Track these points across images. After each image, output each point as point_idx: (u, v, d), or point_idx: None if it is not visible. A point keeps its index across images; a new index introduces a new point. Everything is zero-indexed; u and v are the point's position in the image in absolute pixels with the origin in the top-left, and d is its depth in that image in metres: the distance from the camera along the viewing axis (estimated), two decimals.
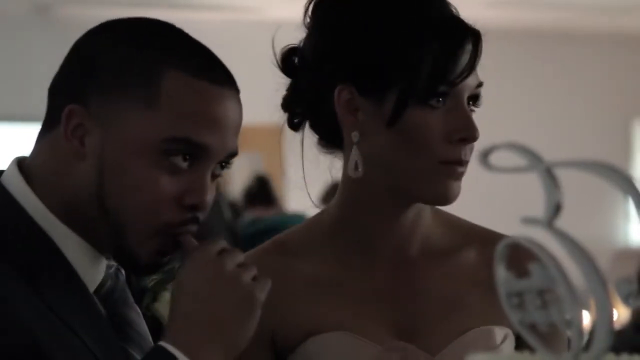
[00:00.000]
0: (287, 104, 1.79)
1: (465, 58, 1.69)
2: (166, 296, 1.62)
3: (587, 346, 1.14)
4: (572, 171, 1.16)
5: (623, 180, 1.11)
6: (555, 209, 1.16)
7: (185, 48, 1.54)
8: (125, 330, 1.57)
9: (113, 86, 1.50)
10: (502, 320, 1.70)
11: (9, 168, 1.57)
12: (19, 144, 9.62)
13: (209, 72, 1.52)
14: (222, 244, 1.51)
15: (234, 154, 1.55)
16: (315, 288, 1.76)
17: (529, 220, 1.17)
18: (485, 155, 1.19)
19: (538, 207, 1.16)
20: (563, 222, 1.15)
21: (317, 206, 1.88)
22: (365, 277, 1.77)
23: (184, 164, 1.50)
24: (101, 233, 1.53)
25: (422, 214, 1.79)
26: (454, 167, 1.71)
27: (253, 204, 8.18)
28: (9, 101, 9.92)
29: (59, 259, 1.52)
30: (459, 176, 1.72)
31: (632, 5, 10.42)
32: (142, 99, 1.49)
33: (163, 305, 1.62)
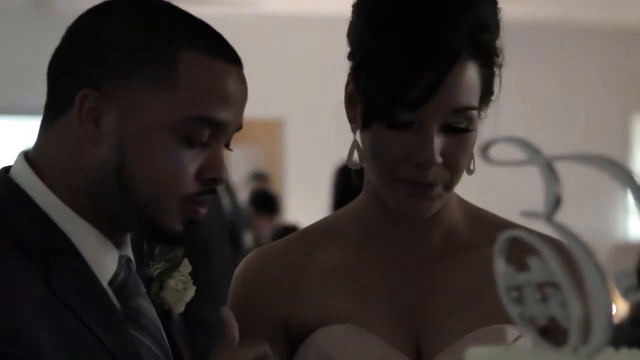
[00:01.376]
0: None
1: (429, 82, 1.62)
2: (171, 284, 1.65)
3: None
4: (572, 165, 1.16)
5: (622, 174, 1.11)
6: (555, 202, 1.16)
7: (196, 28, 1.54)
8: (138, 319, 1.57)
9: (128, 68, 1.50)
10: None
11: (17, 162, 1.56)
12: (16, 138, 9.62)
13: (221, 51, 1.54)
14: (255, 352, 1.54)
15: (241, 127, 1.58)
16: (332, 280, 1.77)
17: (528, 214, 1.17)
18: (485, 149, 1.19)
19: (538, 201, 1.17)
20: (562, 215, 1.15)
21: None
22: (381, 270, 1.77)
23: (203, 141, 1.52)
24: (122, 213, 1.53)
25: (445, 208, 1.76)
26: (414, 186, 1.68)
27: (257, 214, 8.23)
28: (9, 94, 9.92)
29: (72, 253, 1.51)
30: (421, 195, 1.68)
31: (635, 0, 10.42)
32: (160, 80, 1.50)
33: (169, 293, 1.64)
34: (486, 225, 1.78)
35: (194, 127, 1.51)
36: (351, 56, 1.72)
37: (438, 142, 1.65)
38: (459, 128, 1.67)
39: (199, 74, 1.51)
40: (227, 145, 1.57)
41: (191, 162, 1.51)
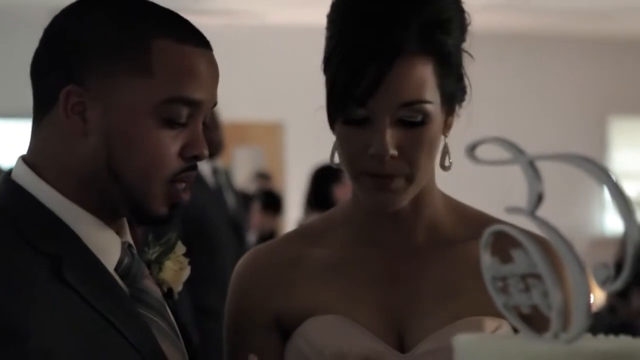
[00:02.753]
0: None
1: (372, 76, 1.61)
2: (169, 265, 1.66)
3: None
4: (553, 164, 1.16)
5: (600, 172, 1.11)
6: (537, 199, 1.16)
7: (166, 18, 1.54)
8: (145, 299, 1.57)
9: (106, 61, 1.49)
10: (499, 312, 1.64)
11: (16, 164, 1.56)
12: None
13: (191, 36, 1.54)
14: None
15: (215, 104, 1.59)
16: (321, 274, 1.76)
17: (512, 210, 1.17)
18: (472, 149, 1.19)
19: (521, 197, 1.16)
20: (544, 211, 1.15)
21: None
22: (368, 265, 1.76)
23: (182, 120, 1.52)
24: (115, 200, 1.53)
25: (428, 204, 1.75)
26: (375, 179, 1.66)
27: (262, 212, 8.25)
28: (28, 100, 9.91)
29: (79, 244, 1.51)
30: (385, 187, 1.67)
31: (608, 11, 10.43)
32: (135, 68, 1.49)
33: (168, 274, 1.65)
34: (470, 220, 1.76)
35: (172, 109, 1.51)
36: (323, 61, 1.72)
37: (392, 135, 1.64)
38: (412, 122, 1.65)
39: (172, 59, 1.51)
40: (203, 124, 1.57)
41: (173, 142, 1.51)
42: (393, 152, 1.64)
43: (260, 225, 7.91)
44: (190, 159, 1.53)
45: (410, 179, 1.68)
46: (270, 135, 10.82)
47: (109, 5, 1.54)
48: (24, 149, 1.58)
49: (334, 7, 1.71)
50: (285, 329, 1.74)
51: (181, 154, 1.53)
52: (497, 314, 1.64)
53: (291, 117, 10.63)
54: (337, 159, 1.73)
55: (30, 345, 1.39)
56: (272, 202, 8.49)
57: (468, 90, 1.73)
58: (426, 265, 1.75)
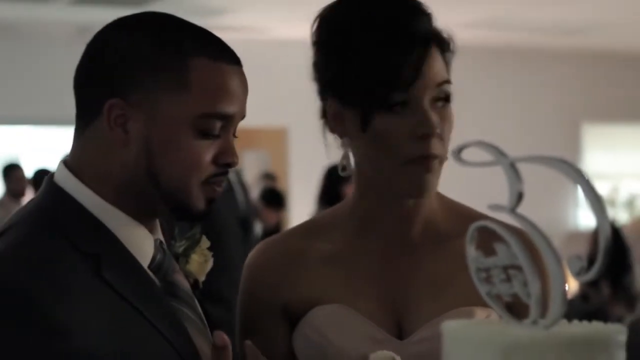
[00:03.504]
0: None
1: (411, 65, 1.64)
2: (195, 258, 1.65)
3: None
4: (532, 165, 1.15)
5: (574, 173, 1.11)
6: (518, 197, 1.15)
7: (201, 37, 1.53)
8: (176, 292, 1.57)
9: (147, 77, 1.49)
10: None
11: (58, 168, 1.53)
12: (64, 143, 9.62)
13: (224, 54, 1.53)
14: None
15: (244, 116, 1.59)
16: (326, 267, 1.75)
17: (495, 207, 1.17)
18: (458, 152, 1.19)
19: (503, 196, 1.16)
20: (524, 208, 1.15)
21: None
22: (369, 257, 1.75)
23: (215, 133, 1.52)
24: (154, 202, 1.52)
25: (425, 201, 1.74)
26: (422, 161, 1.66)
27: (267, 207, 8.25)
28: (56, 108, 9.93)
29: (117, 244, 1.50)
30: (429, 169, 1.66)
31: (580, 28, 10.44)
32: (174, 84, 1.49)
33: (194, 266, 1.65)
34: (462, 217, 1.75)
35: (207, 122, 1.50)
36: (325, 74, 1.72)
37: (435, 115, 1.66)
38: (443, 100, 1.67)
39: (207, 76, 1.50)
40: (233, 134, 1.57)
41: (207, 151, 1.51)
42: (439, 129, 1.65)
43: (265, 219, 7.91)
44: (222, 166, 1.53)
45: (441, 160, 1.68)
46: (275, 140, 10.82)
47: (149, 25, 1.53)
48: (61, 153, 1.57)
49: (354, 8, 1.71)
50: (292, 317, 1.74)
51: (214, 161, 1.52)
52: (486, 304, 1.64)
53: (295, 123, 10.63)
54: (347, 168, 1.72)
55: (73, 344, 1.37)
56: (275, 198, 8.48)
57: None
58: (422, 259, 1.74)
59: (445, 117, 1.67)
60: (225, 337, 1.47)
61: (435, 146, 1.65)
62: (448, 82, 1.68)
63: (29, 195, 7.89)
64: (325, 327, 1.70)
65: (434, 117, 1.65)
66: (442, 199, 1.79)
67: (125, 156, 1.50)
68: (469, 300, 1.67)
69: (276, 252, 1.78)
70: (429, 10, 1.71)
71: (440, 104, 1.67)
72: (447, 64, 1.70)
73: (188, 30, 1.53)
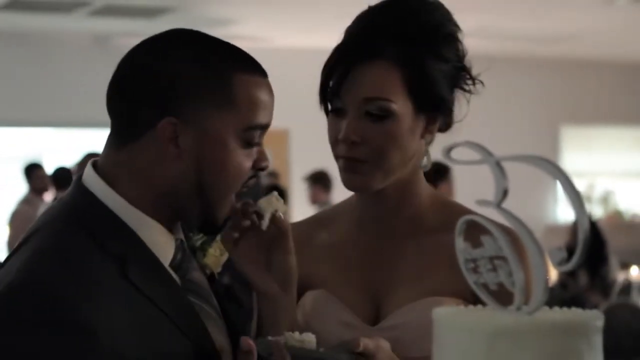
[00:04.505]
0: None
1: (341, 75, 1.65)
2: (211, 251, 1.64)
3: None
4: (516, 164, 1.15)
5: (554, 170, 1.11)
6: (503, 193, 1.15)
7: (236, 53, 1.53)
8: (195, 289, 1.55)
9: (196, 96, 1.47)
10: (461, 293, 1.63)
11: (87, 172, 1.51)
12: (91, 145, 9.63)
13: (257, 68, 1.53)
14: None
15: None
16: (322, 256, 1.77)
17: (482, 203, 1.17)
18: (448, 151, 1.19)
19: (490, 192, 1.16)
20: (508, 203, 1.15)
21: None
22: (358, 249, 1.76)
23: (257, 142, 1.53)
24: (191, 212, 1.51)
25: (412, 199, 1.74)
26: (345, 161, 1.68)
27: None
28: (73, 112, 9.94)
29: (142, 246, 1.48)
30: (348, 169, 1.68)
31: (561, 37, 10.45)
32: (221, 101, 1.48)
33: (210, 259, 1.64)
34: (452, 215, 1.73)
35: (251, 134, 1.51)
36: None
37: (359, 125, 1.65)
38: (376, 115, 1.65)
39: (248, 90, 1.50)
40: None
41: (248, 160, 1.52)
42: (355, 138, 1.66)
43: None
44: (257, 171, 1.54)
45: (377, 166, 1.67)
46: (277, 140, 10.81)
47: (189, 44, 1.51)
48: (79, 153, 1.54)
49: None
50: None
51: (252, 167, 1.53)
52: (456, 295, 1.65)
53: (295, 125, 10.63)
54: (426, 162, 1.74)
55: (101, 344, 1.34)
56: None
57: (453, 108, 1.73)
58: (404, 252, 1.74)
59: (380, 131, 1.65)
60: (251, 341, 1.46)
61: (357, 151, 1.66)
62: (381, 99, 1.65)
63: (50, 192, 7.89)
64: (308, 311, 1.71)
65: (358, 128, 1.65)
66: (437, 197, 1.79)
67: (174, 169, 1.48)
68: (443, 290, 1.67)
69: None
70: (414, 24, 1.67)
71: (373, 117, 1.65)
72: (410, 81, 1.66)
73: (225, 47, 1.52)
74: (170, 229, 1.53)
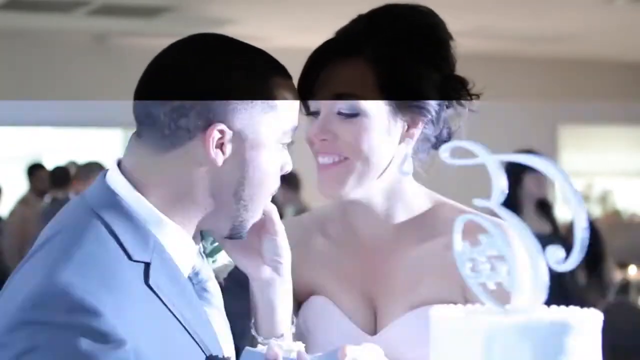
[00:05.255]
0: None
1: (314, 71, 1.66)
2: (219, 259, 1.63)
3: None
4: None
5: (553, 169, 1.11)
6: (501, 193, 1.15)
7: (269, 58, 1.54)
8: (209, 298, 1.55)
9: (243, 101, 1.47)
10: (455, 300, 1.57)
11: (112, 172, 1.49)
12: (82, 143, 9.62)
13: (286, 71, 1.55)
14: None
15: None
16: (319, 262, 1.76)
17: (481, 202, 1.17)
18: (447, 151, 1.19)
19: (488, 191, 1.16)
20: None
21: None
22: (354, 256, 1.75)
23: (289, 143, 1.54)
24: (226, 220, 1.50)
25: (400, 207, 1.72)
26: (318, 160, 1.67)
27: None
28: (73, 111, 9.93)
29: (163, 253, 1.45)
30: (324, 169, 1.67)
31: (559, 37, 10.44)
32: (266, 105, 1.48)
33: (220, 266, 1.63)
34: (446, 218, 1.72)
35: (288, 136, 1.52)
36: None
37: (329, 122, 1.65)
38: (347, 114, 1.64)
39: (284, 93, 1.51)
40: None
41: (280, 162, 1.53)
42: (322, 136, 1.65)
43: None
44: (280, 175, 1.54)
45: (350, 166, 1.65)
46: None
47: (227, 49, 1.51)
48: (80, 152, 1.52)
49: None
50: (296, 297, 1.70)
51: (280, 171, 1.54)
52: (452, 302, 1.61)
53: None
54: (407, 167, 1.71)
55: (123, 349, 1.33)
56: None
57: (431, 111, 1.68)
58: (398, 261, 1.73)
59: (352, 129, 1.64)
60: (277, 350, 1.46)
61: (329, 147, 1.65)
62: (350, 95, 1.64)
63: (49, 194, 7.85)
64: (309, 318, 1.70)
65: (329, 125, 1.64)
66: (431, 199, 1.77)
67: (218, 176, 1.47)
68: (438, 298, 1.65)
69: (295, 230, 1.76)
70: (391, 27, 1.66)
71: (344, 116, 1.65)
72: (383, 79, 1.64)
73: (260, 53, 1.53)
74: (194, 238, 1.52)
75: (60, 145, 10.17)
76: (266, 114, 1.48)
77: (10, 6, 8.46)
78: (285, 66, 1.54)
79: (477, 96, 1.73)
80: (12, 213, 8.11)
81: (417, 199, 1.75)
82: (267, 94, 1.48)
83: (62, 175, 7.64)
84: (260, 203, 1.51)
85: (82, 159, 7.20)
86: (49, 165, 8.25)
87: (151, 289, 1.41)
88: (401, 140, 1.68)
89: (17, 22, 9.22)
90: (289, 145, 1.54)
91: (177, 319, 1.43)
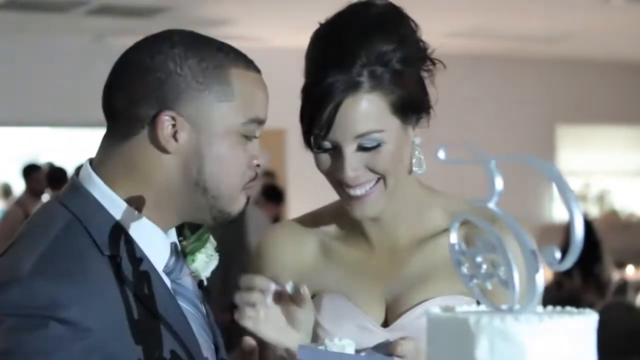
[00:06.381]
0: None
1: (323, 120, 1.63)
2: (200, 257, 1.64)
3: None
4: (510, 163, 1.15)
5: (549, 170, 1.11)
6: (497, 193, 1.15)
7: (229, 48, 1.54)
8: (184, 293, 1.56)
9: (196, 90, 1.47)
10: (467, 291, 1.61)
11: (84, 171, 1.51)
12: (80, 143, 9.62)
13: (250, 63, 1.54)
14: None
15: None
16: (328, 258, 1.77)
17: (477, 202, 1.17)
18: (442, 151, 1.19)
19: (485, 191, 1.16)
20: (502, 203, 1.15)
21: None
22: (365, 256, 1.76)
23: (255, 136, 1.54)
24: (198, 208, 1.51)
25: (405, 206, 1.74)
26: (350, 189, 1.67)
27: (266, 203, 8.23)
28: (71, 111, 9.93)
29: (135, 249, 1.47)
30: (355, 201, 1.67)
31: (556, 37, 10.45)
32: (220, 94, 1.48)
33: (199, 264, 1.64)
34: (450, 213, 1.73)
35: (249, 128, 1.51)
36: None
37: (354, 158, 1.64)
38: (369, 147, 1.65)
39: (246, 84, 1.51)
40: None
41: (246, 155, 1.52)
42: (355, 174, 1.65)
43: (266, 213, 7.91)
44: (254, 167, 1.54)
45: (381, 189, 1.68)
46: (273, 140, 10.81)
47: (183, 42, 1.51)
48: (77, 153, 1.55)
49: (307, 50, 1.69)
50: None
51: (250, 164, 1.53)
52: (464, 294, 1.64)
53: (291, 124, 10.63)
54: (417, 166, 1.71)
55: (92, 339, 1.36)
56: (274, 194, 8.46)
57: (429, 105, 1.71)
58: (409, 256, 1.75)
59: (377, 158, 1.65)
60: (253, 342, 1.47)
61: (361, 179, 1.65)
62: (372, 132, 1.64)
63: (47, 195, 7.86)
64: (321, 314, 1.71)
65: (355, 161, 1.64)
66: (434, 196, 1.78)
67: (174, 164, 1.48)
68: (451, 290, 1.67)
69: (282, 240, 1.79)
70: (374, 42, 1.64)
71: (368, 149, 1.64)
72: (394, 102, 1.64)
73: (219, 44, 1.53)
74: (165, 228, 1.53)
75: (57, 146, 10.18)
76: (221, 103, 1.48)
77: (8, 6, 8.46)
78: (253, 61, 1.54)
79: (441, 62, 1.72)
80: (7, 214, 8.11)
81: (419, 192, 1.77)
82: (221, 83, 1.48)
83: (58, 175, 7.64)
84: (231, 192, 1.51)
85: (78, 160, 7.21)
86: (46, 166, 8.25)
87: (122, 282, 1.43)
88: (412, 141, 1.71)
89: (15, 22, 9.21)
90: (254, 138, 1.53)
91: (148, 311, 1.45)
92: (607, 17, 9.53)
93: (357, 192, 1.67)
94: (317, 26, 1.72)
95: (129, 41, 1.56)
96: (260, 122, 1.53)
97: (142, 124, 1.47)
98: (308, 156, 1.72)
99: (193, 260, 1.63)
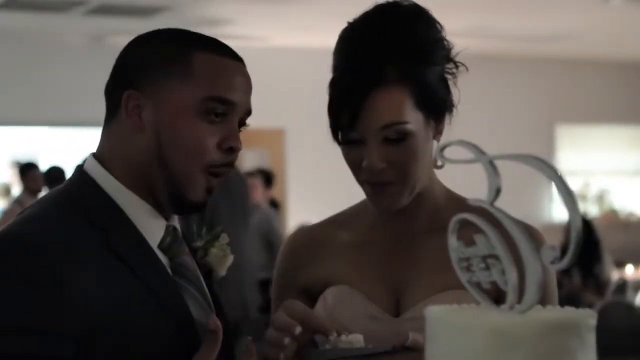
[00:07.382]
0: None
1: (352, 109, 1.65)
2: (214, 251, 1.68)
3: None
4: (510, 162, 1.15)
5: (549, 169, 1.11)
6: (496, 192, 1.15)
7: (206, 38, 1.59)
8: (182, 271, 1.59)
9: (157, 71, 1.54)
10: None
11: (88, 158, 1.60)
12: (77, 143, 9.63)
13: (226, 50, 1.58)
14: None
15: (250, 112, 1.61)
16: (344, 252, 1.80)
17: (475, 201, 1.17)
18: (441, 150, 1.19)
19: (483, 191, 1.16)
20: (502, 202, 1.15)
21: None
22: (378, 246, 1.79)
23: (218, 117, 1.55)
24: (160, 187, 1.55)
25: (427, 198, 1.77)
26: (372, 186, 1.70)
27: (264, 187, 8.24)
28: (70, 110, 9.93)
29: (126, 222, 1.54)
30: (379, 192, 1.70)
31: (555, 36, 10.46)
32: (180, 74, 1.53)
33: (212, 258, 1.68)
34: (463, 208, 1.75)
35: (209, 105, 1.54)
36: None
37: (380, 151, 1.67)
38: (395, 139, 1.67)
39: (210, 66, 1.55)
40: (242, 126, 1.60)
41: (211, 135, 1.54)
42: (381, 165, 1.67)
43: (264, 198, 7.93)
44: (226, 151, 1.55)
45: (404, 184, 1.70)
46: (273, 139, 10.82)
47: (162, 35, 1.59)
48: (75, 152, 1.60)
49: (335, 46, 1.73)
50: (311, 296, 1.77)
51: (219, 146, 1.55)
52: None
53: (291, 124, 10.64)
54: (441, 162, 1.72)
55: (72, 298, 1.40)
56: (266, 177, 8.48)
57: (454, 102, 1.75)
58: (423, 248, 1.77)
59: (402, 153, 1.68)
60: (218, 322, 1.48)
61: (385, 176, 1.68)
62: (398, 123, 1.66)
63: (44, 192, 7.88)
64: (332, 305, 1.73)
65: (381, 154, 1.66)
66: (449, 193, 1.82)
67: (140, 141, 1.54)
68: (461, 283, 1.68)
69: (303, 238, 1.85)
70: (404, 39, 1.67)
71: (392, 141, 1.67)
72: (418, 97, 1.67)
73: (191, 32, 1.59)
74: (166, 217, 1.58)
75: (56, 146, 10.17)
76: (181, 82, 1.53)
77: (7, 6, 8.46)
78: (231, 49, 1.58)
79: (465, 65, 1.78)
80: (6, 212, 8.13)
81: (439, 188, 1.80)
82: (182, 63, 1.54)
83: (57, 175, 7.65)
84: (188, 174, 1.54)
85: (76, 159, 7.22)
86: (43, 165, 8.26)
87: (114, 253, 1.48)
88: (434, 138, 1.74)
89: (13, 22, 9.22)
90: (226, 122, 1.55)
91: (142, 283, 1.49)
92: (606, 17, 9.54)
93: (381, 185, 1.70)
94: (318, 26, 1.74)
95: (128, 41, 1.60)
96: (225, 102, 1.55)
97: (117, 105, 1.56)
98: (308, 156, 1.73)
99: (205, 254, 1.68)
